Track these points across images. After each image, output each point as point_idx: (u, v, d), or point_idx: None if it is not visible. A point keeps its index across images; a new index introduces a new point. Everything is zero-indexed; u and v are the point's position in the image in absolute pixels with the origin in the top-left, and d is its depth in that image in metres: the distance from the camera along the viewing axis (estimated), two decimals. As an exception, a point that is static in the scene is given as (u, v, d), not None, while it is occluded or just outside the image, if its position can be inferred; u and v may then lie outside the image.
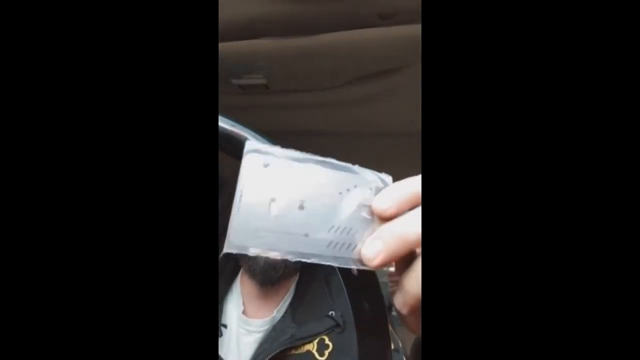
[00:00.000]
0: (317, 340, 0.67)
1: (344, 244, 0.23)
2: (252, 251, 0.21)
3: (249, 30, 0.66)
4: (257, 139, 0.26)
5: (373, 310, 0.27)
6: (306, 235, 0.22)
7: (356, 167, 0.24)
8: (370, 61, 0.74)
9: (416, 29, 0.64)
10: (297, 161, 0.23)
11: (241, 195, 0.21)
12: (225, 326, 0.72)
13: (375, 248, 0.22)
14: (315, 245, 0.22)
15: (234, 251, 0.21)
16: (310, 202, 0.22)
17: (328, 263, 0.22)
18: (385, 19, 0.63)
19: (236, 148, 0.26)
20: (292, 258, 0.22)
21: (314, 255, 0.22)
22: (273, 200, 0.22)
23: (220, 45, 0.65)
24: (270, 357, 0.65)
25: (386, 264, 0.22)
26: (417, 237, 0.21)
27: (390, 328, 0.27)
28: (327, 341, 0.66)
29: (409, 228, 0.21)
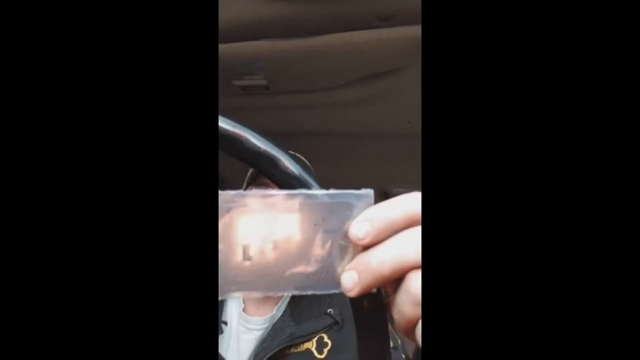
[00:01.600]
0: (316, 339, 0.67)
1: (322, 272, 0.23)
2: (235, 295, 0.22)
3: (250, 32, 0.66)
4: (257, 139, 0.26)
5: (372, 308, 0.27)
6: (283, 272, 0.22)
7: (331, 192, 0.23)
8: (370, 62, 0.74)
9: (416, 30, 0.64)
10: (265, 199, 0.22)
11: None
12: (225, 323, 0.72)
13: (352, 280, 0.21)
14: (294, 280, 0.22)
15: (220, 298, 0.22)
16: (283, 241, 0.22)
17: (310, 292, 0.23)
18: (385, 20, 0.63)
19: (236, 149, 0.26)
20: (273, 294, 0.22)
21: (294, 289, 0.22)
22: (245, 245, 0.22)
23: (220, 46, 0.65)
24: (270, 356, 0.65)
25: (365, 293, 0.22)
26: (392, 271, 0.21)
27: (389, 326, 0.27)
28: (326, 339, 0.67)
29: (384, 261, 0.21)
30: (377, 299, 0.27)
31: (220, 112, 0.24)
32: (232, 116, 0.25)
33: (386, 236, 0.21)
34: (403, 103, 0.84)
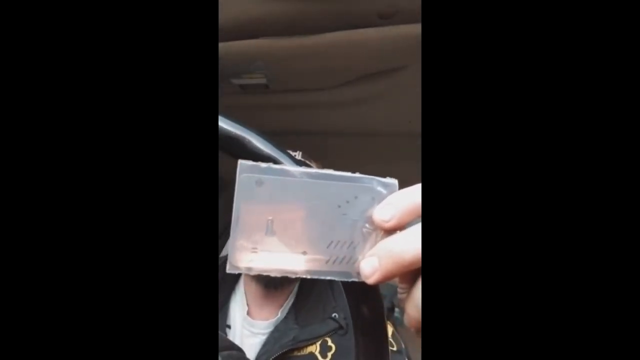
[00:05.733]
0: (319, 342, 0.66)
1: (344, 258, 0.22)
2: (254, 271, 0.22)
3: (249, 30, 0.66)
4: (257, 139, 0.26)
5: (371, 313, 0.27)
6: (304, 253, 0.22)
7: (357, 175, 0.23)
8: (370, 61, 0.74)
9: (416, 29, 0.63)
10: (292, 177, 0.22)
11: (238, 217, 0.21)
12: (229, 327, 0.72)
13: (372, 266, 0.21)
14: (314, 262, 0.22)
15: (236, 272, 0.21)
16: (307, 220, 0.22)
17: (329, 278, 0.22)
18: (385, 18, 0.63)
19: (236, 148, 0.26)
20: (292, 276, 0.22)
21: (313, 273, 0.22)
22: (270, 220, 0.22)
23: (220, 45, 0.64)
24: (272, 359, 0.64)
25: (383, 281, 0.21)
26: (414, 258, 0.20)
27: (392, 329, 0.27)
28: (329, 343, 0.66)
29: (407, 248, 0.21)
30: (376, 304, 0.27)
31: (219, 111, 0.24)
32: (231, 115, 0.25)
33: (410, 220, 0.22)
34: (404, 102, 0.84)
